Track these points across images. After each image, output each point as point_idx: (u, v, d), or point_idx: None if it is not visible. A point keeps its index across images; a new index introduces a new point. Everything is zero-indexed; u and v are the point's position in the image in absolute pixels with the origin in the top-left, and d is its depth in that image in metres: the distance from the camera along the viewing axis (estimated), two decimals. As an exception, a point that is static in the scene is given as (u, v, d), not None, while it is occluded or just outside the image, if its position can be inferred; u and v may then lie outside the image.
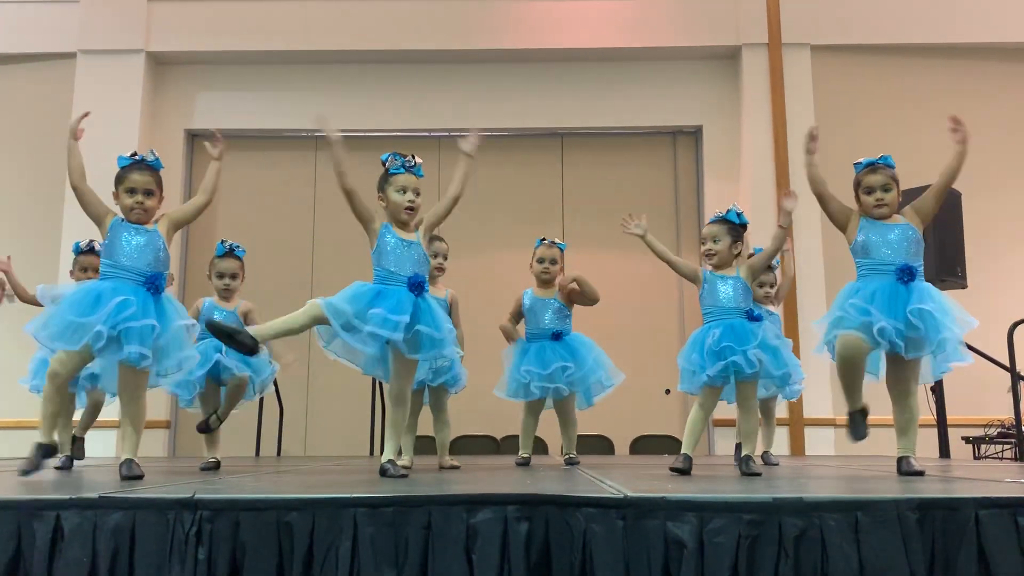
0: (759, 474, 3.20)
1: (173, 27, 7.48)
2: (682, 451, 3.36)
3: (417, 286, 3.17)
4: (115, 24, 7.41)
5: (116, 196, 3.26)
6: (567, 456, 4.36)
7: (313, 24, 7.49)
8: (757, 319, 3.49)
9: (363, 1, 7.54)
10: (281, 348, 4.30)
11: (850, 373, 3.26)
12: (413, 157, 3.35)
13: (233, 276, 4.25)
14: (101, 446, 5.89)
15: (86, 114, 3.32)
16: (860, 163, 3.44)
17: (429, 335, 3.12)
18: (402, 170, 3.30)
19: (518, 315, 4.41)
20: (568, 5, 7.56)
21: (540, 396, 4.28)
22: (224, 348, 3.87)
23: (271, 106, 7.65)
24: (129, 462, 3.09)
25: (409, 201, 3.27)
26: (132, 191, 3.22)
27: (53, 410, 3.19)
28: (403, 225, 3.28)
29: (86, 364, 3.20)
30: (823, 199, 3.42)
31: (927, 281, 3.31)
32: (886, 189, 3.34)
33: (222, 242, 4.34)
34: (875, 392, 3.41)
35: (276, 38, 7.49)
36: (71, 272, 4.18)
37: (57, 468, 3.83)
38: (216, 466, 4.02)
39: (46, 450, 3.15)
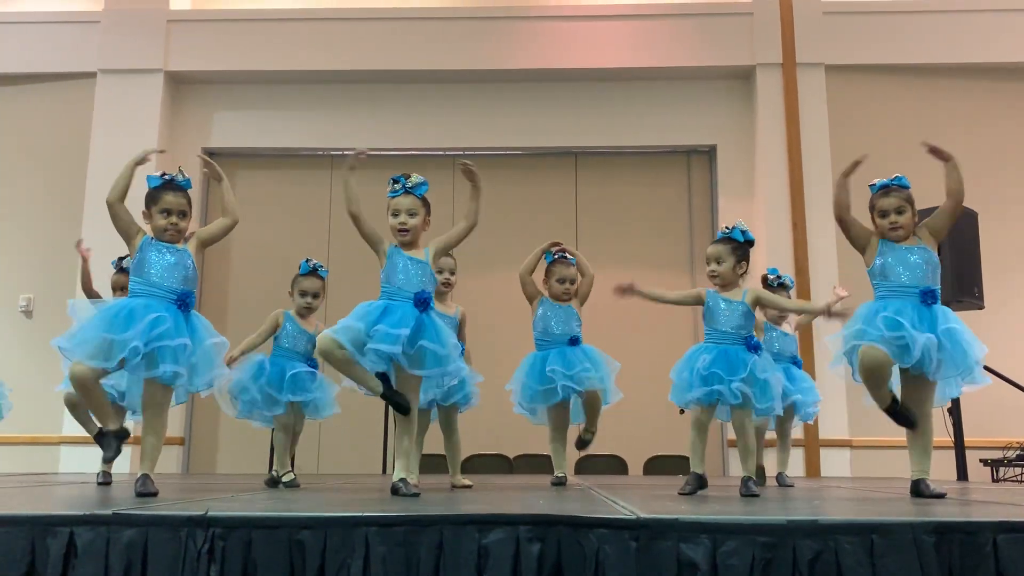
0: (757, 495, 3.18)
1: (191, 47, 7.57)
2: (691, 471, 3.35)
3: (422, 302, 3.18)
4: (135, 44, 7.50)
5: (147, 215, 3.28)
6: (584, 432, 4.33)
7: (329, 44, 7.56)
8: (755, 347, 3.44)
9: (378, 21, 7.61)
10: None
11: (875, 384, 3.19)
12: (408, 177, 3.35)
13: (315, 295, 4.25)
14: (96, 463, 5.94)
15: (162, 151, 3.34)
16: (875, 185, 3.42)
17: (433, 351, 3.12)
18: (392, 194, 3.33)
19: (533, 290, 4.39)
20: (582, 25, 7.60)
21: (563, 397, 4.22)
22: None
23: (287, 125, 7.72)
24: (145, 478, 3.09)
25: (400, 223, 3.30)
26: (167, 212, 3.24)
27: (99, 401, 3.16)
28: (406, 246, 3.30)
29: (107, 373, 3.20)
30: (845, 224, 3.38)
31: (944, 303, 3.29)
32: (900, 212, 3.31)
33: (306, 261, 4.32)
34: (883, 414, 3.37)
35: (292, 58, 7.56)
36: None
37: (99, 484, 3.90)
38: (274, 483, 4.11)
39: (117, 434, 3.14)
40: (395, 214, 3.31)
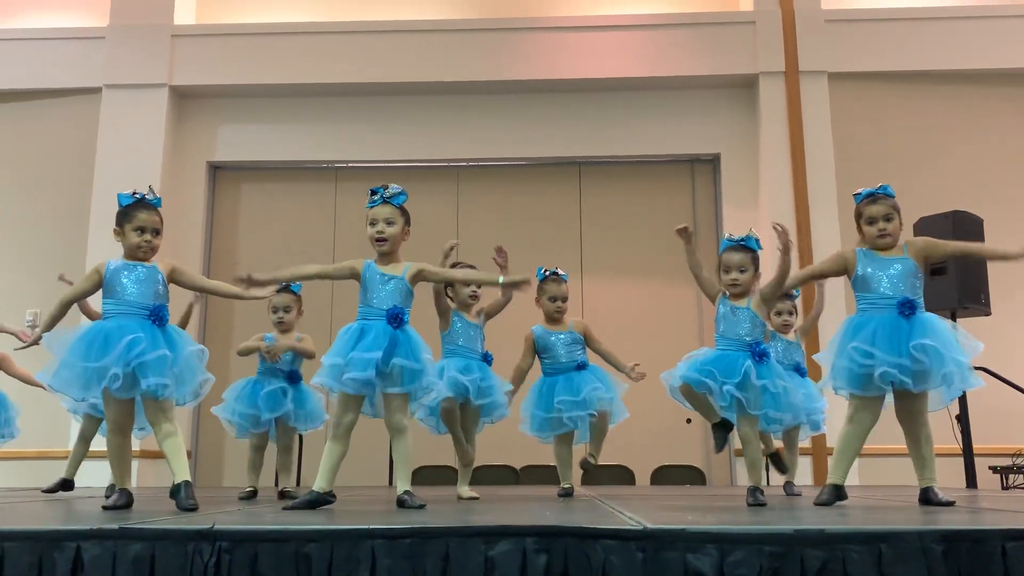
0: (764, 504, 3.17)
1: (195, 61, 7.61)
2: (713, 423, 3.47)
3: (394, 318, 3.19)
4: (139, 59, 7.54)
5: (119, 233, 3.26)
6: (588, 455, 4.32)
7: (333, 57, 7.59)
8: (762, 354, 3.43)
9: (382, 33, 7.64)
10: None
11: (856, 439, 3.33)
12: (382, 189, 3.36)
13: (287, 309, 4.38)
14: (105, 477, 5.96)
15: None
16: (860, 194, 3.43)
17: (408, 367, 3.15)
18: (370, 204, 3.34)
19: (531, 353, 4.37)
20: (585, 35, 7.62)
21: (571, 428, 4.25)
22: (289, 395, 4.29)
23: (291, 138, 7.74)
24: (187, 487, 3.03)
25: (378, 232, 3.31)
26: (141, 230, 3.23)
27: (124, 456, 3.26)
28: (385, 258, 3.31)
29: (134, 403, 3.21)
30: (816, 276, 3.49)
31: (950, 310, 3.29)
32: (888, 219, 3.32)
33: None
34: (894, 419, 3.37)
35: (296, 71, 7.60)
36: None
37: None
38: (254, 495, 4.21)
39: (129, 496, 3.15)
40: (373, 223, 3.32)
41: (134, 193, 3.29)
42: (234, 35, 7.69)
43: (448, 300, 4.13)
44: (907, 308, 3.20)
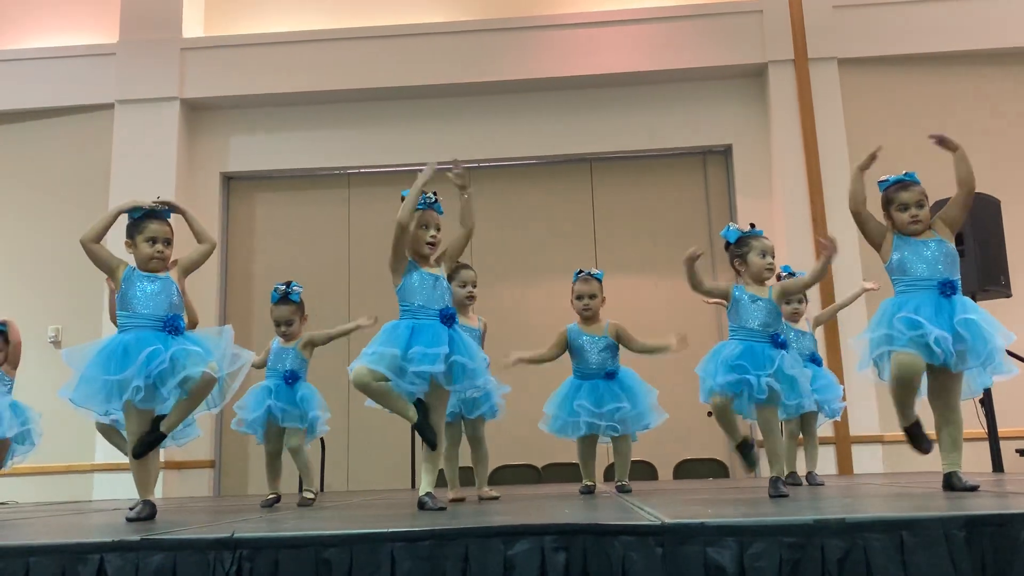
0: (786, 495, 3.15)
1: (205, 74, 7.66)
2: (736, 444, 3.48)
3: (449, 318, 3.20)
4: (150, 74, 7.60)
5: (130, 245, 3.29)
6: (619, 483, 4.33)
7: (342, 63, 7.62)
8: (782, 344, 3.42)
9: (389, 38, 7.66)
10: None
11: (905, 392, 3.19)
12: (434, 194, 3.39)
13: (288, 323, 4.31)
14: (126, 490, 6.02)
15: (160, 203, 3.31)
16: (887, 180, 3.40)
17: (464, 365, 3.15)
18: (423, 206, 3.33)
19: (558, 348, 4.36)
20: (592, 31, 7.61)
21: (587, 432, 4.25)
22: (275, 394, 4.16)
23: (303, 146, 7.78)
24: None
25: (431, 236, 3.32)
26: (152, 240, 3.26)
27: (148, 467, 3.26)
28: (424, 260, 3.31)
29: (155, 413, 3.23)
30: (861, 218, 3.37)
31: (970, 292, 3.27)
32: (920, 205, 3.31)
33: (276, 288, 4.37)
34: (918, 406, 3.33)
35: (306, 79, 7.63)
36: None
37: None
38: (276, 501, 4.16)
39: (152, 508, 3.17)
40: (426, 227, 3.32)
41: (141, 206, 3.31)
42: (242, 46, 7.74)
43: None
44: (948, 288, 3.19)
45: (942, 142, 3.32)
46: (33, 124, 7.85)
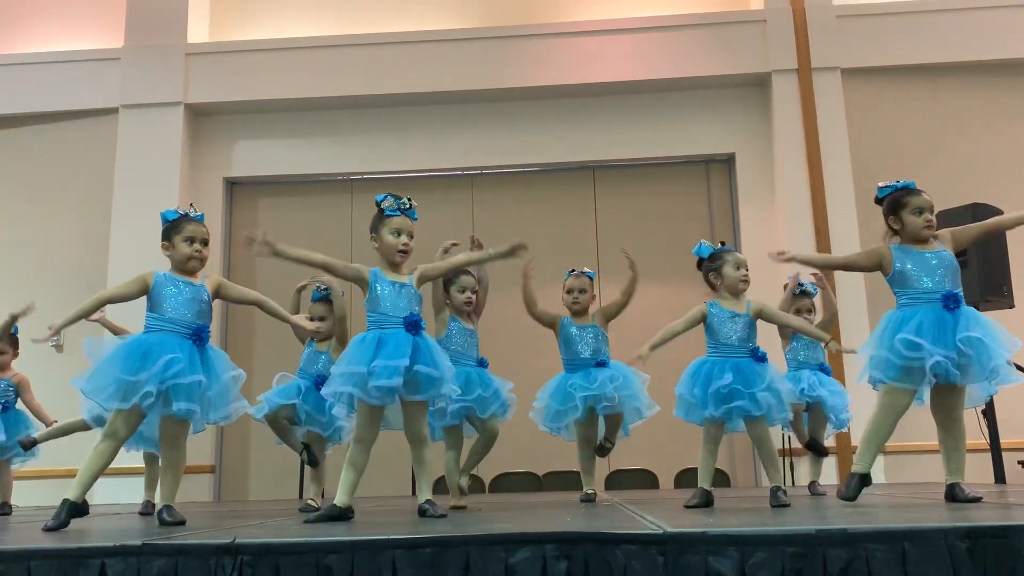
0: (787, 505, 3.14)
1: (210, 79, 7.67)
2: (699, 486, 3.42)
3: (413, 325, 3.18)
4: (154, 79, 7.62)
5: (168, 247, 3.32)
6: (603, 439, 4.32)
7: (345, 69, 7.63)
8: (762, 359, 3.43)
9: (393, 45, 7.67)
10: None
11: (885, 427, 3.19)
12: (409, 200, 3.37)
13: (322, 319, 4.27)
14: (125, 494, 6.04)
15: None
16: (895, 184, 3.39)
17: (428, 375, 3.13)
18: (398, 212, 3.32)
19: (550, 325, 4.37)
20: (595, 40, 7.62)
21: (583, 410, 4.17)
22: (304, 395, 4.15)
23: (307, 151, 7.79)
24: (169, 508, 3.12)
25: (403, 244, 3.30)
26: (191, 240, 3.31)
27: (102, 466, 3.23)
28: (395, 267, 3.31)
29: (143, 420, 3.22)
30: (847, 267, 3.49)
31: (972, 302, 3.27)
32: (932, 210, 3.33)
33: (317, 287, 4.38)
34: (919, 416, 3.33)
35: (309, 85, 7.65)
36: None
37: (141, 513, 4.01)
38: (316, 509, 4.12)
39: (75, 509, 3.15)
40: (397, 233, 3.31)
41: (177, 209, 3.38)
42: (247, 51, 7.76)
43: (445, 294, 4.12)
44: (952, 302, 3.17)
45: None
46: (38, 128, 7.85)
